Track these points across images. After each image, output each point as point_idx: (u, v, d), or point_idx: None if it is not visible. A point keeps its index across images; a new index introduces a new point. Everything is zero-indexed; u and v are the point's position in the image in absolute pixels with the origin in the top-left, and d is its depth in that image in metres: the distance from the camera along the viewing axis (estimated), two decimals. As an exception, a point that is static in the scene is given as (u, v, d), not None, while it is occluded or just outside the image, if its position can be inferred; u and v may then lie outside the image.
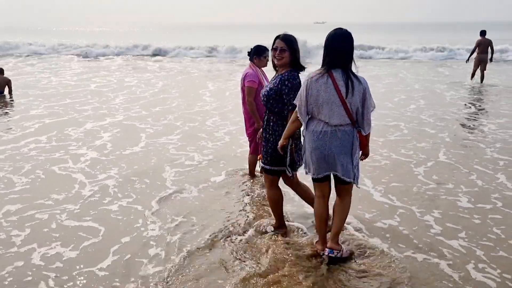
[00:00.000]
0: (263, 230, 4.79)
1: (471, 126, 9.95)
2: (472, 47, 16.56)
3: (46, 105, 11.97)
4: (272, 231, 4.74)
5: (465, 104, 12.44)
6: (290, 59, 4.30)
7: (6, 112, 11.13)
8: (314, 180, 4.09)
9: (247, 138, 6.31)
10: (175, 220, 5.11)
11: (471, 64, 16.35)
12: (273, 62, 4.45)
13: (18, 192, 5.97)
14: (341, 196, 4.08)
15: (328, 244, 4.10)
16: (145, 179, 6.43)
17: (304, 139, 4.04)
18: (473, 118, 10.75)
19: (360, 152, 4.04)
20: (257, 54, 5.95)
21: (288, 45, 4.28)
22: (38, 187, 6.15)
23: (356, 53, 24.43)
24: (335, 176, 3.97)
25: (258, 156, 5.53)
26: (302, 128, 4.15)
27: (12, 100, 12.77)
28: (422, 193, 5.97)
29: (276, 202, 4.69)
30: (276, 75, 4.47)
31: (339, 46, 3.77)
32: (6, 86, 13.50)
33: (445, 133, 9.04)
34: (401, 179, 6.48)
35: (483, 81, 16.08)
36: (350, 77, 3.75)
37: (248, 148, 6.42)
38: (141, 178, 6.44)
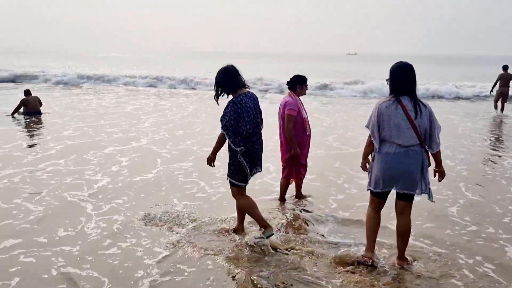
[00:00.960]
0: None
1: (490, 159, 8.41)
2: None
3: (77, 126, 10.92)
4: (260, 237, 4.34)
5: (483, 137, 10.83)
6: (220, 92, 4.33)
7: (40, 132, 10.16)
8: (375, 194, 3.97)
9: (282, 163, 5.65)
10: (184, 269, 3.88)
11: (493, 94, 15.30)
12: None
13: (30, 222, 4.90)
14: (403, 213, 3.96)
15: (398, 262, 4.04)
16: (157, 213, 5.21)
17: (375, 160, 3.92)
18: (491, 151, 9.22)
19: (437, 174, 3.96)
20: (300, 83, 5.53)
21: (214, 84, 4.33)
22: (45, 220, 5.00)
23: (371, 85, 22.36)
24: (399, 194, 3.88)
25: (290, 180, 5.59)
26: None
27: (46, 119, 11.84)
28: (459, 237, 4.73)
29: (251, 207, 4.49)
30: None
31: (404, 76, 3.78)
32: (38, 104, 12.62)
33: (464, 166, 7.59)
34: (434, 220, 5.21)
35: (503, 112, 14.78)
36: (417, 102, 3.76)
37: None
38: (152, 212, 5.25)
